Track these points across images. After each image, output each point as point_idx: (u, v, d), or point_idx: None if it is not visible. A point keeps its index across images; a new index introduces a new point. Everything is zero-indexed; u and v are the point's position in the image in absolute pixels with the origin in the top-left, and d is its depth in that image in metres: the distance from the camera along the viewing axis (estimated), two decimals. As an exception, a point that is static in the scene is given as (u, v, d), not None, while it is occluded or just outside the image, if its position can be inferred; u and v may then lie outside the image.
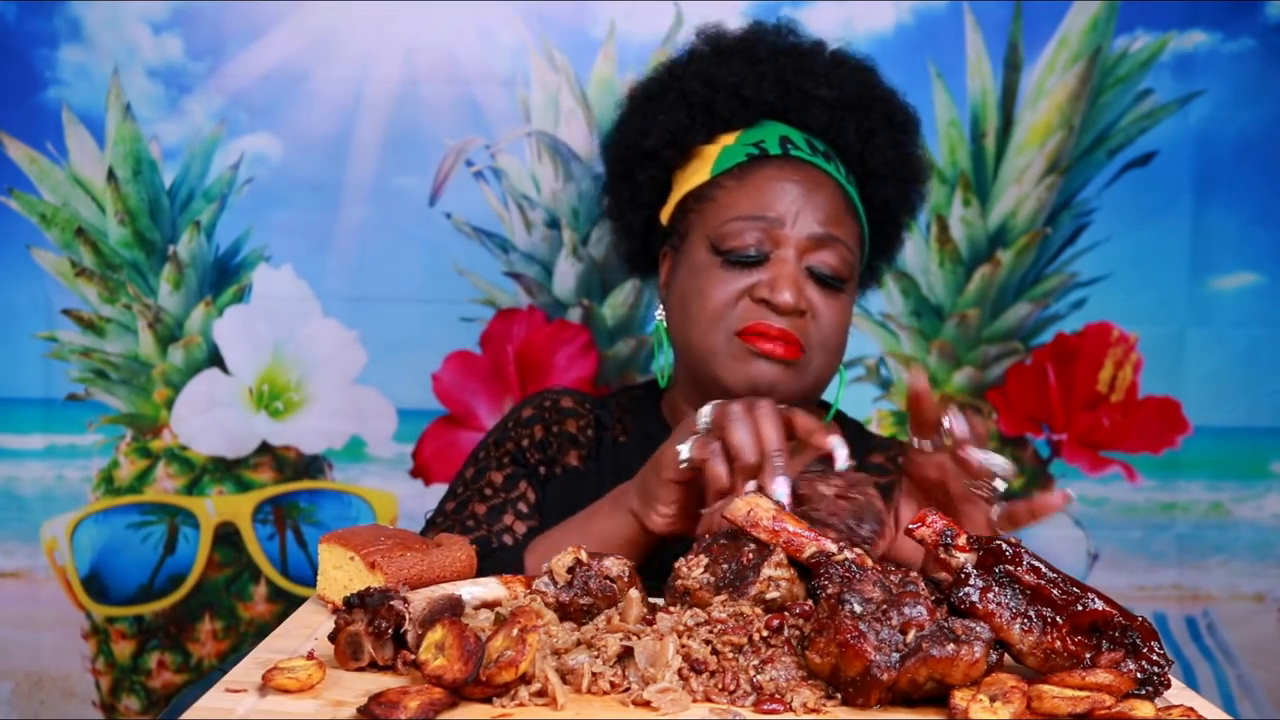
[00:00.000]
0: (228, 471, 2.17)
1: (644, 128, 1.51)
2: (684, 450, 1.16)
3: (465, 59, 2.14)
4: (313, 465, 2.18)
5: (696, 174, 1.46)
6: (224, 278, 2.15)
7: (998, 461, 1.15)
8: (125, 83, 2.10)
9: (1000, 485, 1.15)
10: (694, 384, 1.46)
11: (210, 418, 2.16)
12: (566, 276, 2.17)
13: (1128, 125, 2.18)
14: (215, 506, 2.17)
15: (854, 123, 1.46)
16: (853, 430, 1.58)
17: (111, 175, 2.11)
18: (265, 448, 2.18)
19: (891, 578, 0.92)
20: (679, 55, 1.55)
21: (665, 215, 1.51)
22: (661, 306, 1.50)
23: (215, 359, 2.16)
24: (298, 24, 2.11)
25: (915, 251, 2.19)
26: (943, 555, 0.95)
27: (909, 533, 0.97)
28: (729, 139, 1.46)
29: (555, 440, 1.54)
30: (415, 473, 2.17)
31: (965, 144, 2.17)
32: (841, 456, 1.12)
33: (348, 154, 2.14)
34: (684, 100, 1.48)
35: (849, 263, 1.41)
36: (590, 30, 2.13)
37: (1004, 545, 0.93)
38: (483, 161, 2.15)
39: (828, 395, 1.59)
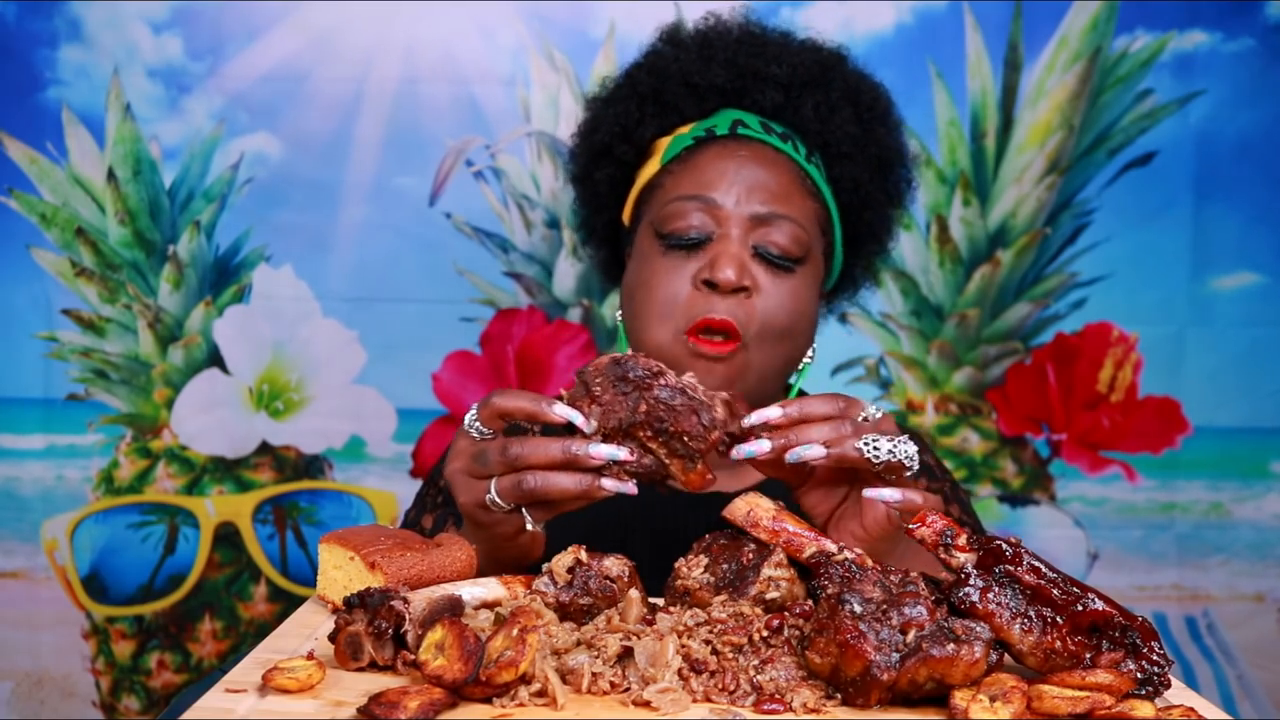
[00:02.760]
0: (228, 471, 2.17)
1: (595, 124, 1.47)
2: (538, 528, 1.12)
3: (465, 59, 2.14)
4: (313, 465, 2.18)
5: (650, 168, 1.42)
6: (224, 278, 2.15)
7: (901, 451, 1.10)
8: (125, 83, 2.10)
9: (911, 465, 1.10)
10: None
11: (210, 418, 2.16)
12: (566, 276, 2.17)
13: (1128, 125, 2.18)
14: (215, 506, 2.17)
15: (812, 101, 1.39)
16: None
17: (111, 175, 2.11)
18: (265, 448, 2.18)
19: (891, 578, 0.92)
20: (639, 55, 1.50)
21: (626, 215, 1.46)
22: (620, 308, 1.45)
23: (215, 359, 2.16)
24: (298, 24, 2.11)
25: (915, 251, 2.19)
26: (943, 555, 0.95)
27: (909, 533, 0.97)
28: (683, 130, 1.41)
29: None
30: (415, 473, 2.17)
31: (965, 144, 2.17)
32: (579, 422, 1.08)
33: (348, 154, 2.14)
34: (634, 93, 1.43)
35: (801, 241, 1.33)
36: (590, 30, 2.13)
37: (1004, 545, 0.93)
38: (483, 161, 2.15)
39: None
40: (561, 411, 1.08)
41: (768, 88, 1.38)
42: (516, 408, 1.10)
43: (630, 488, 1.09)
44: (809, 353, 1.43)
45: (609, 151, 1.45)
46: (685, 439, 1.07)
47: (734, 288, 1.29)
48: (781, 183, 1.34)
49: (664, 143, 1.41)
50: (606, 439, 1.08)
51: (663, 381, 1.07)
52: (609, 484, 1.08)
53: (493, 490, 1.10)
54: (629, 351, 1.12)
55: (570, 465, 1.07)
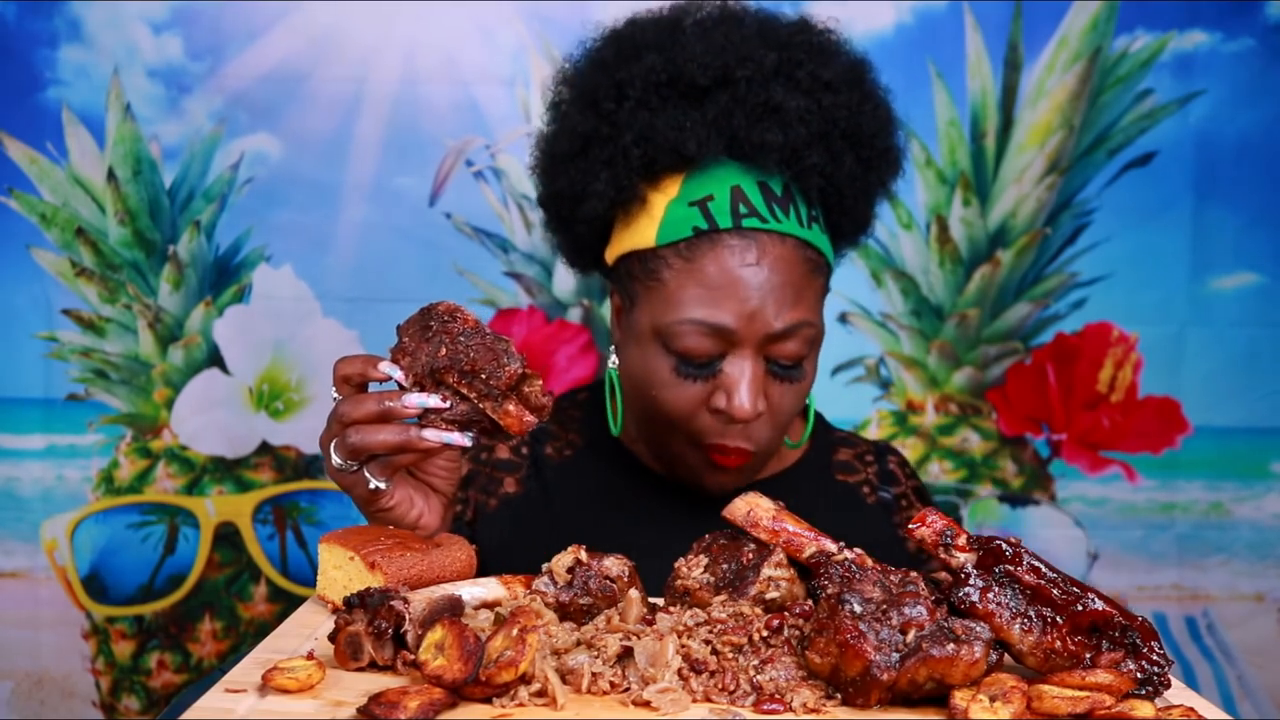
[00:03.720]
0: (228, 471, 2.17)
1: (579, 187, 1.33)
2: (380, 484, 1.14)
3: (465, 59, 2.14)
4: (313, 465, 2.18)
5: (640, 228, 1.30)
6: (224, 278, 2.15)
7: None
8: (125, 83, 2.10)
9: None
10: (653, 445, 1.41)
11: (210, 418, 2.16)
12: (566, 276, 2.17)
13: (1128, 125, 2.18)
14: (215, 506, 2.17)
15: (813, 159, 1.28)
16: (819, 426, 1.54)
17: (111, 175, 2.11)
18: (265, 448, 2.18)
19: (891, 578, 0.92)
20: (613, 83, 1.31)
21: (610, 257, 1.37)
22: (615, 355, 1.40)
23: (215, 359, 2.16)
24: (298, 24, 2.11)
25: (915, 251, 2.19)
26: (943, 555, 0.95)
27: (909, 533, 0.97)
28: (673, 187, 1.29)
29: (485, 471, 1.46)
30: (415, 473, 2.17)
31: (965, 144, 2.17)
32: (397, 376, 1.09)
33: (348, 154, 2.14)
34: (622, 157, 1.29)
35: (812, 338, 1.29)
36: (590, 30, 2.13)
37: (1004, 545, 0.93)
38: (483, 161, 2.15)
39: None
40: (383, 368, 1.10)
41: (769, 158, 1.27)
42: (352, 370, 1.12)
43: (456, 438, 1.08)
44: None
45: (587, 200, 1.33)
46: (484, 377, 1.07)
47: (750, 419, 1.27)
48: (793, 279, 1.27)
49: (654, 200, 1.30)
50: (423, 389, 1.09)
51: (459, 322, 1.08)
52: (430, 434, 1.08)
53: (332, 452, 1.13)
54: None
55: (388, 418, 1.09)
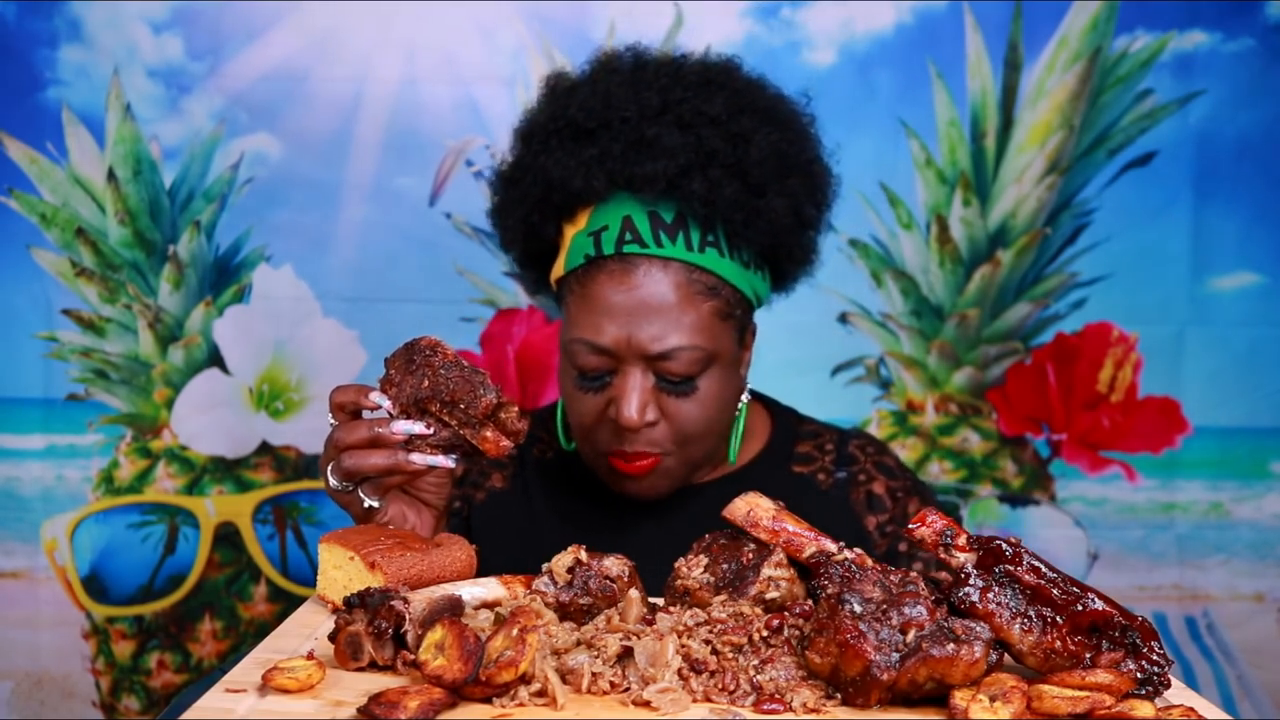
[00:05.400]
0: (228, 471, 2.17)
1: (500, 222, 1.47)
2: (373, 503, 1.22)
3: (465, 59, 2.14)
4: (313, 465, 2.18)
5: (559, 258, 1.42)
6: (224, 278, 2.15)
7: None
8: (125, 83, 2.10)
9: None
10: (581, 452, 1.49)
11: (210, 418, 2.16)
12: (566, 276, 2.17)
13: (1128, 125, 2.18)
14: (215, 506, 2.17)
15: (695, 185, 1.34)
16: (786, 418, 1.57)
17: (111, 175, 2.11)
18: (265, 448, 2.18)
19: (891, 578, 0.92)
20: (528, 131, 1.43)
21: (553, 279, 1.46)
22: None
23: (215, 359, 2.16)
24: (298, 24, 2.11)
25: (915, 251, 2.19)
26: (943, 555, 0.95)
27: (909, 532, 0.97)
28: (582, 219, 1.38)
29: (474, 469, 1.56)
30: (415, 473, 2.17)
31: (965, 144, 2.17)
32: (385, 405, 1.18)
33: (348, 154, 2.14)
34: (527, 195, 1.41)
35: (700, 359, 1.35)
36: (590, 30, 2.13)
37: (1004, 545, 0.93)
38: (483, 161, 2.15)
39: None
40: (373, 398, 1.20)
41: (651, 188, 1.35)
42: (345, 400, 1.21)
43: (441, 461, 1.18)
44: (742, 399, 1.46)
45: (504, 233, 1.48)
46: (463, 406, 1.15)
47: (637, 428, 1.34)
48: (674, 303, 1.33)
49: (568, 232, 1.40)
50: (409, 417, 1.18)
51: (440, 356, 1.18)
52: (416, 458, 1.18)
53: (329, 474, 1.22)
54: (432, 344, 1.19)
55: (378, 443, 1.18)
